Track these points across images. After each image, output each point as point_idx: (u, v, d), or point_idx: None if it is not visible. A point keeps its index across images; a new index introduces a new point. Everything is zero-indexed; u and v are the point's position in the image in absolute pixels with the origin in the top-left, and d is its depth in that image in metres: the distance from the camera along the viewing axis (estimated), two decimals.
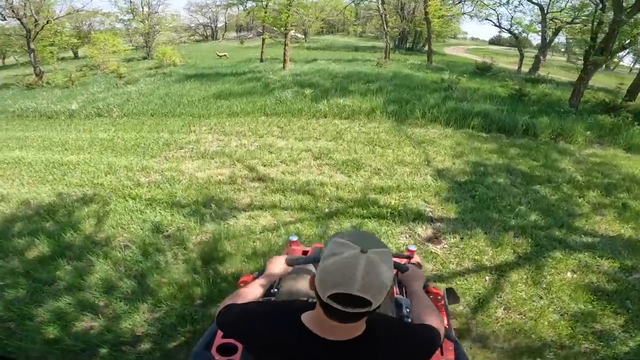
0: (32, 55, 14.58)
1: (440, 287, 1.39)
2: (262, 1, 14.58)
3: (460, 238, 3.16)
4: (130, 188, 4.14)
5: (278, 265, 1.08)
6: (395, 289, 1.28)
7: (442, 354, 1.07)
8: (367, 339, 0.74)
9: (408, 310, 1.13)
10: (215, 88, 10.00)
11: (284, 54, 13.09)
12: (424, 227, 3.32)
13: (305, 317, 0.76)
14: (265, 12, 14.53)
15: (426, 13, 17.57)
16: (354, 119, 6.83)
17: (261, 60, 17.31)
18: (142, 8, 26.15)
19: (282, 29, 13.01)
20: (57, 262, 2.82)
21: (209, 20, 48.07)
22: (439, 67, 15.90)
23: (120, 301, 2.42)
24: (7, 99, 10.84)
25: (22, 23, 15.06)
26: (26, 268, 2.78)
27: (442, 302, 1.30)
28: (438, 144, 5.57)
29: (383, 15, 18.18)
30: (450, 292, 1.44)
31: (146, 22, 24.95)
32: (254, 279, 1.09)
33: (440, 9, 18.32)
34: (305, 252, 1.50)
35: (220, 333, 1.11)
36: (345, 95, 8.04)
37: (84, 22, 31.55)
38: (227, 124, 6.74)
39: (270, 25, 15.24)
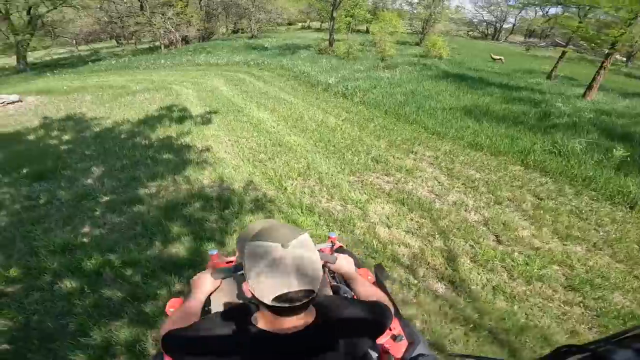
0: (332, 23, 17.13)
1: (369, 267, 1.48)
2: (580, 6, 10.16)
3: None
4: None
5: (205, 281, 1.02)
6: (329, 279, 1.22)
7: (390, 329, 1.05)
8: (321, 323, 0.75)
9: (348, 296, 1.12)
10: (468, 98, 7.89)
11: (595, 78, 8.75)
12: None
13: (255, 319, 0.75)
14: (580, 22, 10.14)
15: None
16: None
17: (549, 77, 12.91)
18: None
19: (606, 46, 8.57)
20: None
21: (494, 19, 42.49)
22: None
23: None
24: (299, 60, 13.09)
25: None
26: None
27: (374, 280, 1.21)
28: None
29: None
30: (378, 268, 1.27)
31: (430, 8, 24.32)
32: (182, 302, 1.03)
33: None
34: (229, 263, 1.33)
35: None
36: None
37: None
38: (459, 159, 4.79)
39: (587, 39, 10.63)
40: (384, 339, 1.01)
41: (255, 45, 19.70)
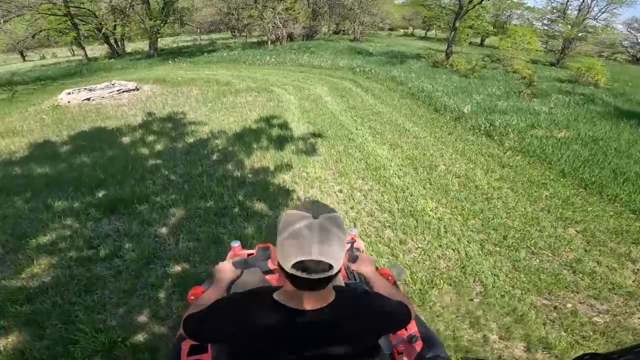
0: (452, 33, 14.50)
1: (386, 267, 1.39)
2: None
3: None
4: None
5: (226, 270, 1.04)
6: (344, 274, 1.25)
7: (406, 329, 1.05)
8: (339, 305, 0.75)
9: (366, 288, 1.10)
10: None
11: None
12: None
13: (277, 295, 0.76)
14: None
15: None
16: None
17: None
18: (578, 11, 20.43)
19: None
20: None
21: None
22: None
23: None
24: (412, 73, 11.04)
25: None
26: None
27: (394, 281, 1.21)
28: None
29: None
30: (394, 267, 1.26)
31: (576, 26, 19.40)
32: (204, 290, 1.06)
33: None
34: (250, 255, 1.36)
35: (184, 350, 1.03)
36: None
37: (504, 12, 30.31)
38: None
39: None
40: (400, 339, 0.99)
41: (359, 49, 18.20)
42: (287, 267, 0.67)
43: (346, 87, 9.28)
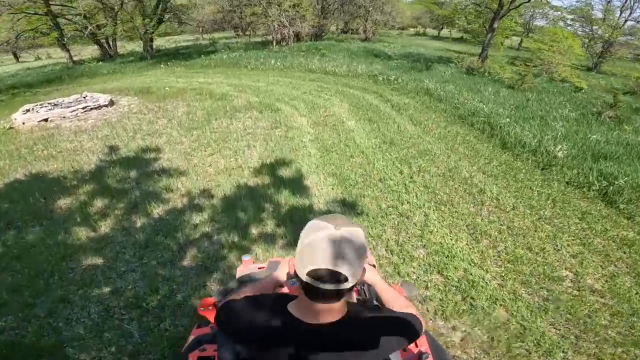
0: (489, 35, 12.32)
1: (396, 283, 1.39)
2: None
3: None
4: None
5: (285, 268, 1.03)
6: (356, 289, 1.14)
7: (417, 345, 1.02)
8: (350, 321, 0.73)
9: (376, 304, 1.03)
10: None
11: None
12: None
13: (291, 306, 0.75)
14: None
15: None
16: None
17: None
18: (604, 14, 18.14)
19: None
20: None
21: None
22: None
23: None
24: (447, 83, 8.95)
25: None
26: None
27: (405, 296, 1.12)
28: None
29: None
30: (405, 285, 1.22)
31: (617, 29, 17.12)
32: (215, 301, 1.06)
33: None
34: (260, 269, 1.30)
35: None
36: None
37: (526, 11, 27.91)
38: None
39: None
40: (410, 355, 0.96)
41: (376, 51, 16.09)
42: (303, 274, 0.66)
43: (372, 103, 7.25)
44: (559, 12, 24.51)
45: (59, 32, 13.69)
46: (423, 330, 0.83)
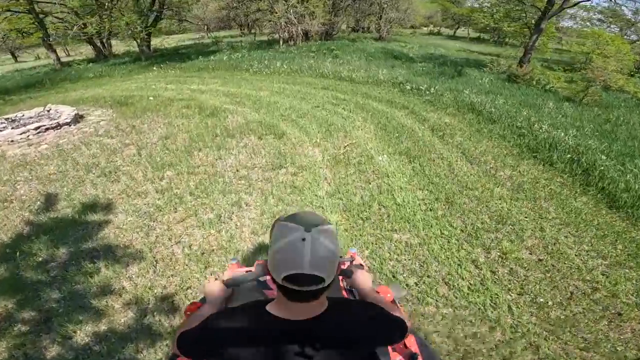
0: (535, 37, 10.47)
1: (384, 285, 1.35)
2: None
3: None
4: None
5: (215, 288, 0.96)
6: (345, 293, 1.20)
7: (406, 347, 1.02)
8: (330, 315, 0.73)
9: None
10: None
11: None
12: None
13: (270, 307, 0.75)
14: None
15: None
16: None
17: None
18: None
19: None
20: None
21: None
22: None
23: None
24: (498, 97, 7.23)
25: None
26: None
27: (393, 298, 1.12)
28: None
29: None
30: (394, 286, 1.22)
31: None
32: (201, 306, 0.99)
33: None
34: (248, 272, 1.26)
35: None
36: None
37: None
38: None
39: None
40: (399, 356, 0.97)
41: (395, 52, 14.36)
42: (279, 279, 0.66)
43: (404, 125, 5.59)
44: (587, 12, 22.41)
45: (43, 31, 12.27)
46: (407, 330, 0.82)
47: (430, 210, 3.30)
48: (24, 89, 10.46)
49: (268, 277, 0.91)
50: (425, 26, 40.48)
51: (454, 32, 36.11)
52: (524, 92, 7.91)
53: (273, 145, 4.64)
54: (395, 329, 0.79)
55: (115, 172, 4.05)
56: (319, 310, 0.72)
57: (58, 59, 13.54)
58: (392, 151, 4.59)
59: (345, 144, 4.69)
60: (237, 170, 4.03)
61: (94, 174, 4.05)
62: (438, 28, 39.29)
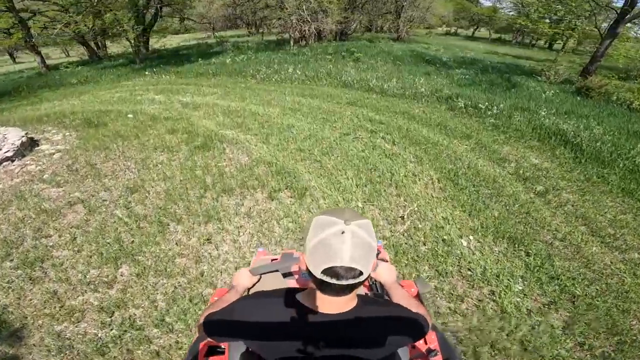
0: (608, 42, 8.56)
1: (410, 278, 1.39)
2: None
3: None
4: None
5: (243, 276, 1.02)
6: (367, 287, 1.18)
7: (426, 342, 1.01)
8: (360, 311, 0.72)
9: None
10: None
11: None
12: None
13: (301, 296, 0.74)
14: None
15: None
16: None
17: None
18: None
19: None
20: None
21: None
22: None
23: None
24: (593, 124, 5.45)
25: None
26: None
27: (417, 293, 1.16)
28: None
29: None
30: (419, 280, 1.19)
31: None
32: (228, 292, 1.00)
33: None
34: (274, 260, 1.31)
35: (202, 351, 1.00)
36: None
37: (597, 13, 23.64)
38: None
39: None
40: (418, 352, 0.96)
41: (426, 55, 12.56)
42: (317, 273, 0.64)
43: (478, 169, 3.83)
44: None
45: (24, 31, 10.78)
46: (428, 328, 0.81)
47: None
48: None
49: (294, 267, 1.04)
50: (439, 26, 38.52)
51: (473, 33, 34.10)
52: (609, 111, 6.11)
53: (291, 214, 2.96)
54: (416, 327, 0.78)
55: (42, 263, 2.45)
56: (349, 305, 0.71)
57: (43, 61, 12.07)
58: (477, 226, 2.87)
59: (403, 214, 2.99)
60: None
61: (9, 263, 2.46)
62: (455, 28, 37.25)
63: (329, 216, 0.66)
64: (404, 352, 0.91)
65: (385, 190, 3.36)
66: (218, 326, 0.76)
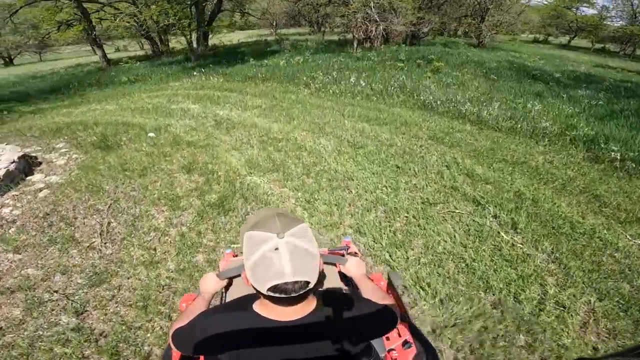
0: None
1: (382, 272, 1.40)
2: None
3: None
4: None
5: (210, 281, 1.00)
6: (341, 280, 1.14)
7: (399, 335, 1.00)
8: (321, 313, 0.71)
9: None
10: None
11: None
12: None
13: (257, 306, 0.72)
14: None
15: None
16: None
17: None
18: None
19: None
20: None
21: None
22: None
23: None
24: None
25: None
26: None
27: (387, 286, 1.18)
28: None
29: None
30: (392, 274, 1.21)
31: None
32: (196, 297, 1.01)
33: None
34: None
35: (175, 357, 0.95)
36: None
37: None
38: None
39: None
40: (394, 344, 0.97)
41: (526, 67, 9.98)
42: (264, 290, 0.63)
43: None
44: None
45: (87, 23, 10.75)
46: (396, 321, 0.81)
47: None
48: (47, 94, 8.88)
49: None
50: (522, 32, 33.49)
51: (569, 41, 28.90)
52: None
53: None
54: (384, 319, 0.78)
55: None
56: (307, 309, 0.70)
57: (104, 55, 12.11)
58: None
59: None
60: None
61: None
62: (543, 35, 32.00)
63: (259, 231, 0.63)
64: (379, 346, 0.91)
65: (509, 340, 1.57)
66: (184, 343, 0.75)
